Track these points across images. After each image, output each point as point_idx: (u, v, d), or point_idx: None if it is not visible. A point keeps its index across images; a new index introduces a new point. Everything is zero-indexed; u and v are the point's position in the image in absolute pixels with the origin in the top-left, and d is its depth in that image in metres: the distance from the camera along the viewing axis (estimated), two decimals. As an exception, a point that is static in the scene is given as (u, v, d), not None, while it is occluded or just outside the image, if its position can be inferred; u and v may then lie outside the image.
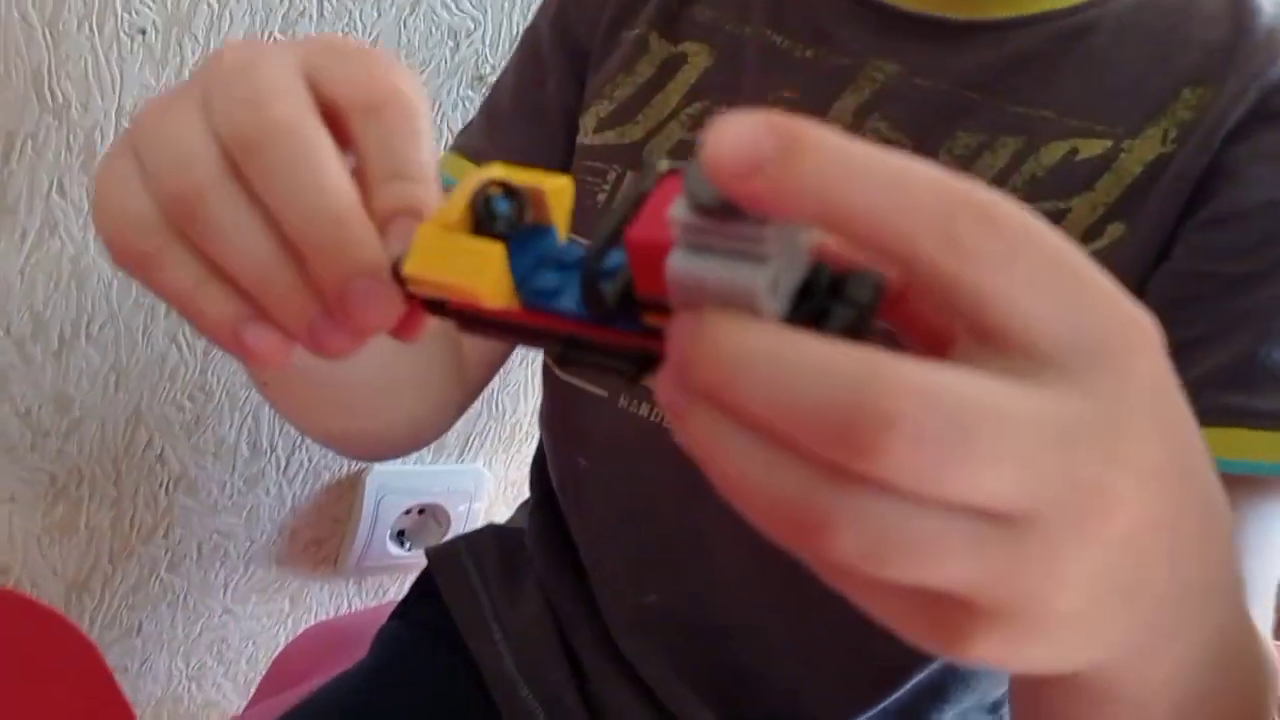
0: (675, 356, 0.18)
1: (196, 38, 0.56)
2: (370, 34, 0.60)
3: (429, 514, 0.79)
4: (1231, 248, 0.39)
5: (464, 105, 0.64)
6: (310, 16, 0.58)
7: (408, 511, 0.78)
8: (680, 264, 0.18)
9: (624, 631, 0.48)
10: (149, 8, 0.54)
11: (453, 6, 0.62)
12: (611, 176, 0.47)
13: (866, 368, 0.16)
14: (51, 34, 0.53)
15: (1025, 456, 0.17)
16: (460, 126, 0.61)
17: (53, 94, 0.54)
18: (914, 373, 0.16)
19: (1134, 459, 0.18)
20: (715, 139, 0.17)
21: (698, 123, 0.46)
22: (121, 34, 0.54)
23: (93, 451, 0.64)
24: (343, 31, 0.59)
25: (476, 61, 0.64)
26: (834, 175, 0.16)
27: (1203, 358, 0.38)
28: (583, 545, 0.50)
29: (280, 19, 0.57)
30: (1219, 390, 0.37)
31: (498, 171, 0.22)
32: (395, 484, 0.76)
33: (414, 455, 0.72)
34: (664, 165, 0.19)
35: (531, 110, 0.50)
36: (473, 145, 0.50)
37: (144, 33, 0.55)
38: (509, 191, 0.21)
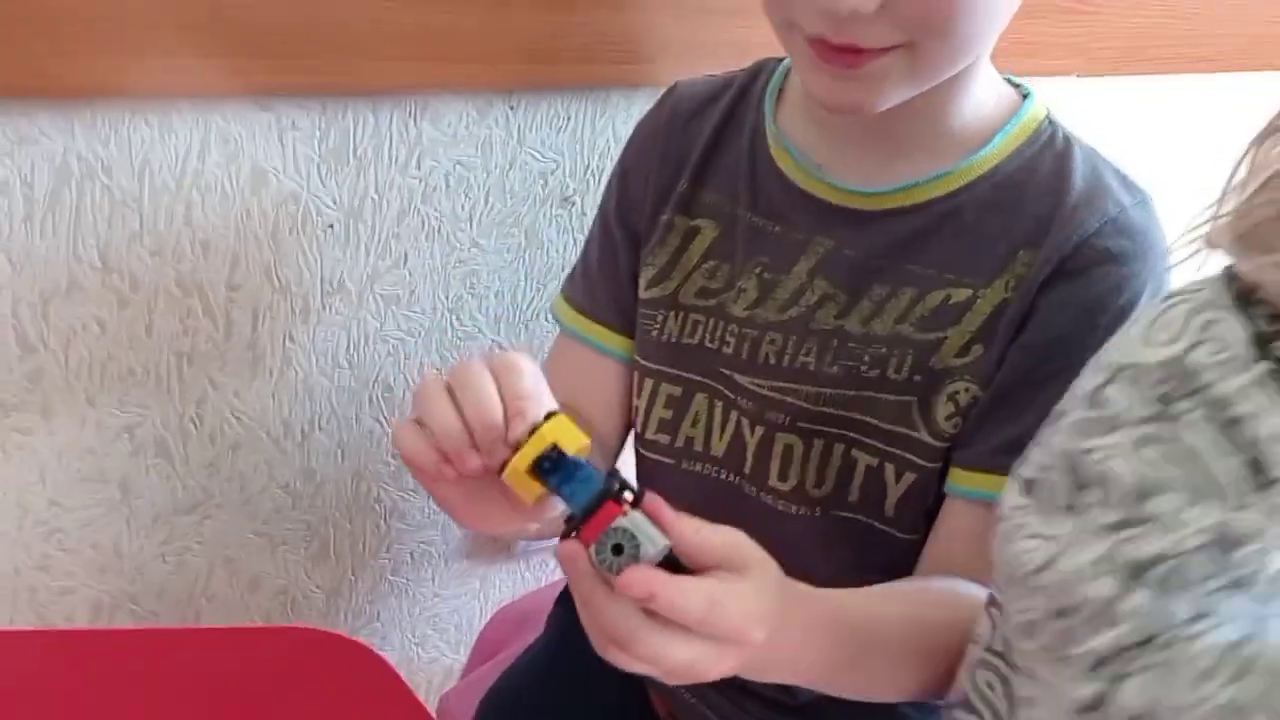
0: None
1: (368, 223, 0.78)
2: (484, 189, 0.82)
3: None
4: (1029, 366, 0.58)
5: (557, 221, 0.86)
6: (439, 189, 0.80)
7: (557, 506, 1.02)
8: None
9: None
10: (331, 208, 0.77)
11: (538, 155, 0.83)
12: (659, 319, 0.68)
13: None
14: (273, 240, 0.76)
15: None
16: (556, 239, 0.82)
17: (279, 279, 0.78)
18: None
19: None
20: (627, 581, 0.42)
21: (712, 275, 0.67)
22: (317, 230, 0.77)
23: (332, 503, 0.89)
24: (463, 193, 0.81)
25: (561, 189, 0.85)
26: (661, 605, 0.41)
27: (1001, 432, 0.58)
28: None
29: (420, 195, 0.79)
30: (1002, 454, 0.57)
31: (551, 437, 0.45)
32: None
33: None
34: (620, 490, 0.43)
35: (611, 276, 0.71)
36: (576, 298, 0.73)
37: (332, 227, 0.78)
38: (556, 455, 0.45)
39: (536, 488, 0.46)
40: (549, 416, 0.46)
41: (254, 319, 0.78)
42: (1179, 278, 0.62)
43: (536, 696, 0.76)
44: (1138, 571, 0.43)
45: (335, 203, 0.77)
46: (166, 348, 0.76)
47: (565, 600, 0.82)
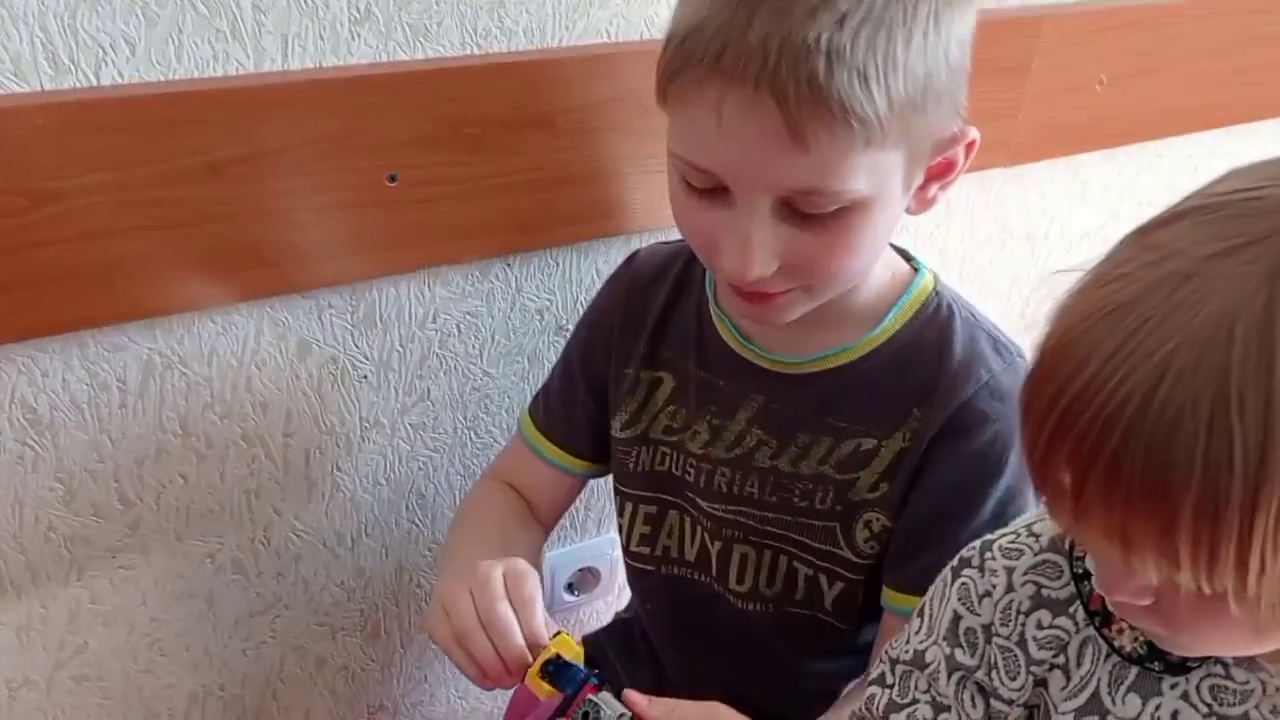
0: None
1: (395, 370, 0.94)
2: (490, 330, 0.97)
3: (587, 571, 1.19)
4: (930, 506, 0.72)
5: (554, 345, 1.00)
6: (453, 336, 0.95)
7: (574, 571, 1.18)
8: None
9: (686, 683, 0.88)
10: (364, 363, 0.92)
11: (534, 298, 0.97)
12: (634, 453, 0.83)
13: None
14: (318, 394, 0.91)
15: None
16: (554, 358, 0.97)
17: (325, 423, 0.93)
18: None
19: None
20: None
21: (673, 417, 0.81)
22: (353, 382, 0.93)
23: (381, 593, 1.05)
24: (473, 336, 0.96)
25: (556, 320, 1.00)
26: None
27: (919, 560, 0.72)
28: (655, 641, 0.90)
29: (437, 343, 0.95)
30: (921, 578, 0.70)
31: (554, 650, 0.62)
32: (565, 557, 1.15)
33: (578, 532, 1.12)
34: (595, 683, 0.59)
35: (568, 408, 0.87)
36: (537, 416, 0.90)
37: (366, 377, 0.93)
38: (558, 662, 0.61)
39: (547, 687, 0.62)
40: (555, 635, 0.63)
41: (307, 457, 0.94)
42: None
43: None
44: (894, 665, 0.65)
45: (367, 358, 0.92)
46: (237, 488, 0.92)
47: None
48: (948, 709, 0.61)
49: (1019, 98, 1.13)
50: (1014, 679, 0.59)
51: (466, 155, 0.85)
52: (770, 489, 0.78)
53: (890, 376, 0.74)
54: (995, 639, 0.59)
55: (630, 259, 0.87)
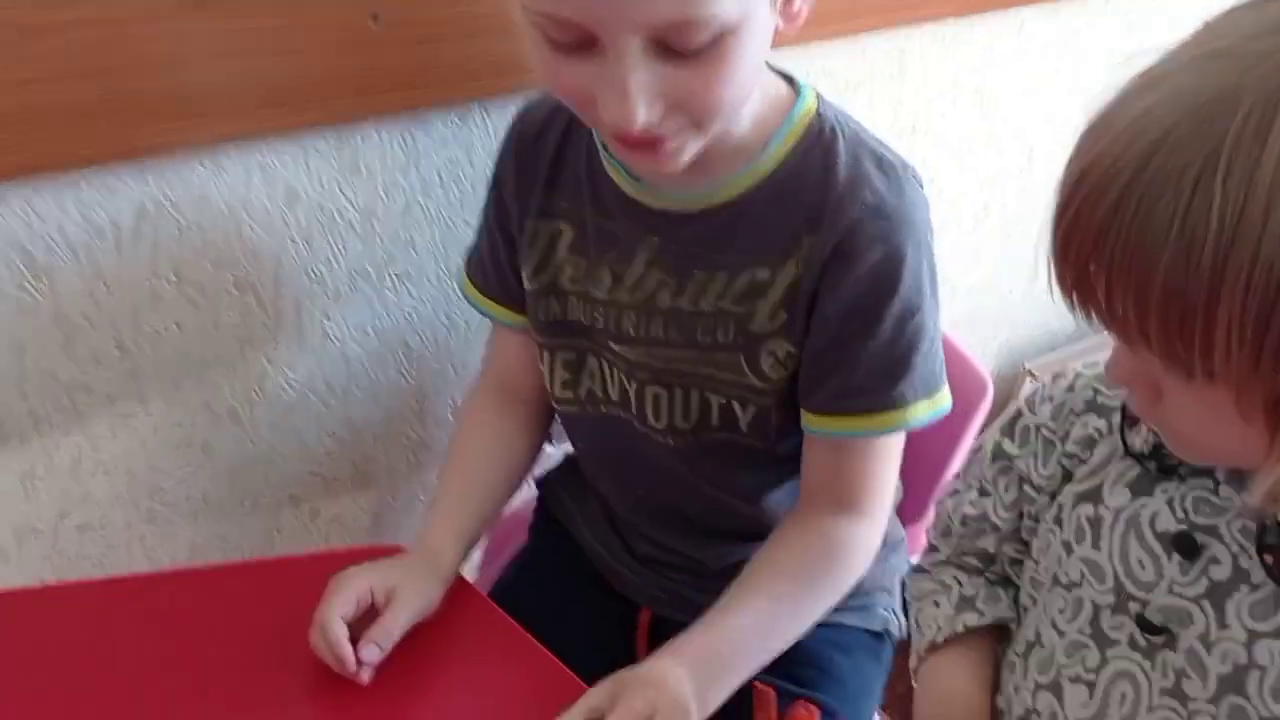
0: None
1: (379, 218, 0.96)
2: (470, 180, 0.99)
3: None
4: (833, 331, 0.74)
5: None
6: (435, 185, 0.97)
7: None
8: None
9: (627, 511, 0.93)
10: (351, 210, 0.94)
11: (512, 146, 1.00)
12: (543, 303, 0.85)
13: None
14: (307, 243, 0.93)
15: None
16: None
17: (314, 272, 0.95)
18: None
19: None
20: None
21: (576, 266, 0.83)
22: (340, 230, 0.95)
23: (371, 444, 1.09)
24: (454, 184, 0.98)
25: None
26: None
27: (829, 384, 0.75)
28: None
29: (420, 191, 0.97)
30: (834, 399, 0.75)
31: None
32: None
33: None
34: None
35: (498, 267, 0.88)
36: (475, 277, 0.92)
37: (353, 226, 0.95)
38: None
39: None
40: None
41: (297, 306, 0.96)
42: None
43: (531, 593, 0.97)
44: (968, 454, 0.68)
45: (353, 206, 0.94)
46: (231, 336, 0.94)
47: (539, 509, 1.04)
48: (989, 494, 0.66)
49: (971, -53, 1.16)
50: (1046, 466, 0.62)
51: (445, -4, 0.87)
52: (675, 329, 0.79)
53: (778, 205, 0.74)
54: (1042, 431, 0.63)
55: (519, 115, 0.87)
